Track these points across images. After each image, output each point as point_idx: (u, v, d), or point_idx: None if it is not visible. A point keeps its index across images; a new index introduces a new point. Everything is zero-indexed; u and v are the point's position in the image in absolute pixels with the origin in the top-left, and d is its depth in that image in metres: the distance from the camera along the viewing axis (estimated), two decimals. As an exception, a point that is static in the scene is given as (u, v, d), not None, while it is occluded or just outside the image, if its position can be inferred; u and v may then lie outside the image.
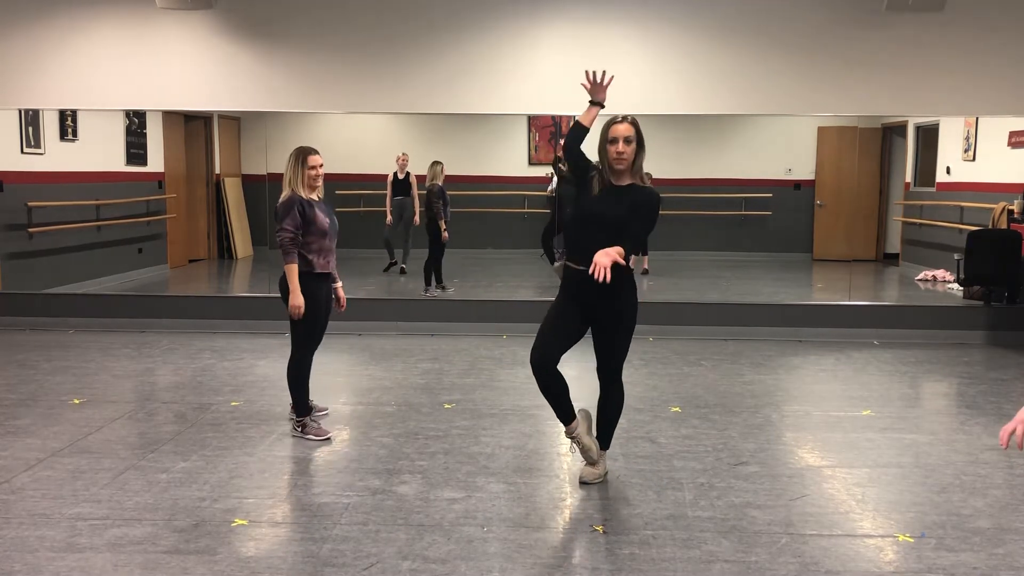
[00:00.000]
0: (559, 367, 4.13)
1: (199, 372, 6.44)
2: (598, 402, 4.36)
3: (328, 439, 4.87)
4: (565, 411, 4.21)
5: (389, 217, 10.85)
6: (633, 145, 4.02)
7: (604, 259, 3.71)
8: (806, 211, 13.10)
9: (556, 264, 9.95)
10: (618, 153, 4.01)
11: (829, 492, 4.16)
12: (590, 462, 4.28)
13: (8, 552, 3.44)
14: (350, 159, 12.51)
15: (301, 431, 4.90)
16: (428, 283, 9.51)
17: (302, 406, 4.95)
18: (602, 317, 4.15)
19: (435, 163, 9.63)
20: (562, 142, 4.23)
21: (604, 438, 4.36)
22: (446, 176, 9.69)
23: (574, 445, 4.29)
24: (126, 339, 7.56)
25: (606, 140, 4.06)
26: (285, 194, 4.86)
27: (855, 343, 7.62)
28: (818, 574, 3.32)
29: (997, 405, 5.72)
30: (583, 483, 4.23)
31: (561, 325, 4.14)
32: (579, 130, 4.13)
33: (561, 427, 5.12)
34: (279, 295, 4.94)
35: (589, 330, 4.25)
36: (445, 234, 9.47)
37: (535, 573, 3.31)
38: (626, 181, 4.08)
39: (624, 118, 4.08)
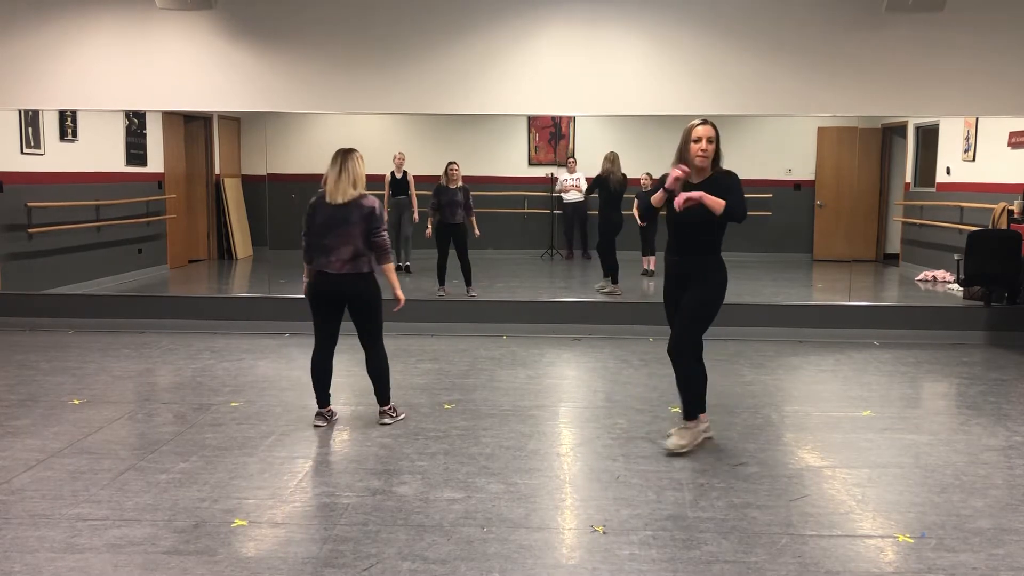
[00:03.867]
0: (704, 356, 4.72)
1: (199, 372, 6.44)
2: None
3: (316, 426, 5.10)
4: (695, 403, 4.74)
5: (386, 216, 10.82)
6: (714, 144, 4.57)
7: (695, 194, 4.40)
8: (806, 211, 13.11)
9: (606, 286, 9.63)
10: (702, 151, 4.54)
11: (829, 492, 4.16)
12: (682, 439, 4.67)
13: (8, 552, 3.44)
14: (350, 159, 12.50)
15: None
16: (440, 283, 9.55)
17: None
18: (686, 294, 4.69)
19: (448, 163, 9.61)
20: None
21: (685, 409, 4.76)
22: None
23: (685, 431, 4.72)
24: (126, 339, 7.56)
25: (689, 140, 4.58)
26: (370, 197, 5.00)
27: (855, 343, 7.62)
28: (818, 574, 3.32)
29: (997, 405, 5.72)
30: (672, 453, 4.60)
31: (674, 312, 4.74)
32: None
33: (562, 427, 5.15)
34: (358, 294, 5.03)
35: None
36: (427, 231, 9.54)
37: (535, 573, 3.31)
38: (704, 176, 4.58)
39: (704, 121, 4.60)
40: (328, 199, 4.95)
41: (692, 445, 4.66)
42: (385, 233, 5.00)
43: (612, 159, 9.85)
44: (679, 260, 4.67)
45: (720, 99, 7.52)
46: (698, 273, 4.62)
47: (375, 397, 5.24)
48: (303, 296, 5.18)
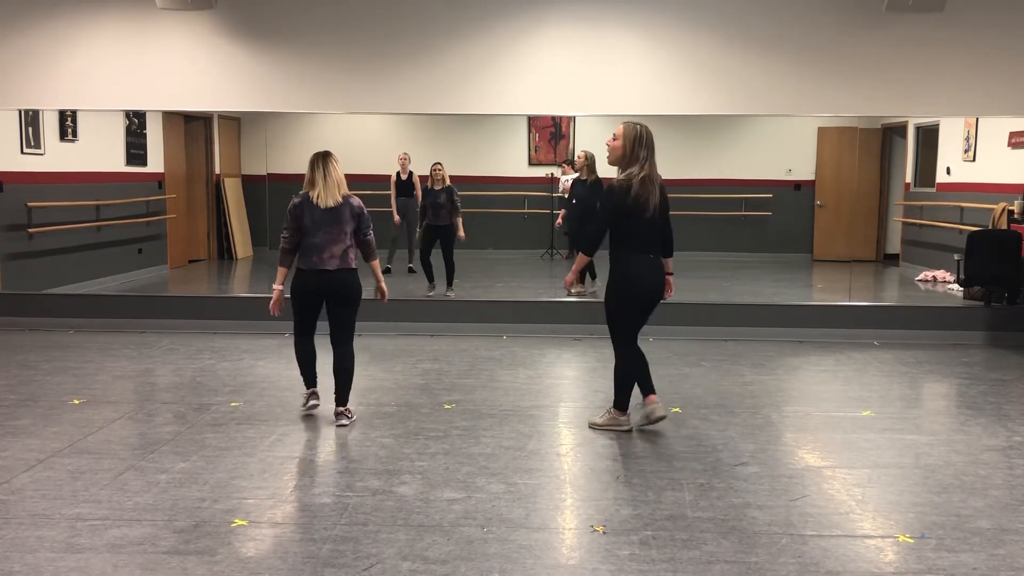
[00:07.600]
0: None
1: (199, 372, 6.44)
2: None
3: (312, 406, 5.37)
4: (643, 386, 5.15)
5: (396, 217, 10.71)
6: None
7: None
8: (806, 211, 13.12)
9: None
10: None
11: (829, 493, 4.16)
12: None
13: (8, 552, 3.44)
14: (349, 160, 12.46)
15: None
16: (428, 280, 9.46)
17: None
18: None
19: (432, 164, 9.55)
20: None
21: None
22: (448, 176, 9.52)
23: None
24: (126, 339, 7.56)
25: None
26: (355, 197, 5.23)
27: (855, 344, 7.62)
28: (818, 574, 3.32)
29: (997, 406, 5.72)
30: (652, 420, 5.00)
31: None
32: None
33: (562, 427, 5.15)
34: (350, 288, 5.19)
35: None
36: (417, 233, 9.60)
37: (535, 573, 3.31)
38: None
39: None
40: (318, 203, 5.09)
41: (604, 428, 5.07)
42: (372, 232, 5.27)
43: (590, 157, 9.59)
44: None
45: (720, 99, 7.52)
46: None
47: (334, 396, 5.25)
48: (271, 300, 5.36)
